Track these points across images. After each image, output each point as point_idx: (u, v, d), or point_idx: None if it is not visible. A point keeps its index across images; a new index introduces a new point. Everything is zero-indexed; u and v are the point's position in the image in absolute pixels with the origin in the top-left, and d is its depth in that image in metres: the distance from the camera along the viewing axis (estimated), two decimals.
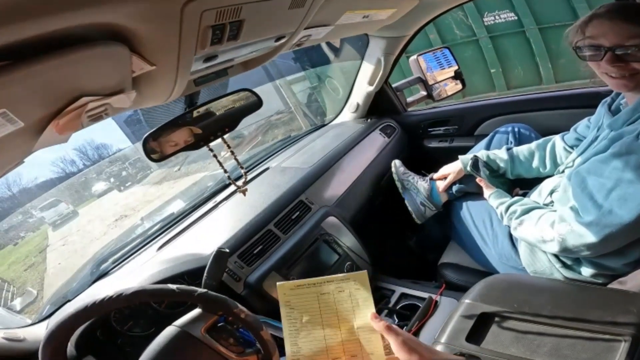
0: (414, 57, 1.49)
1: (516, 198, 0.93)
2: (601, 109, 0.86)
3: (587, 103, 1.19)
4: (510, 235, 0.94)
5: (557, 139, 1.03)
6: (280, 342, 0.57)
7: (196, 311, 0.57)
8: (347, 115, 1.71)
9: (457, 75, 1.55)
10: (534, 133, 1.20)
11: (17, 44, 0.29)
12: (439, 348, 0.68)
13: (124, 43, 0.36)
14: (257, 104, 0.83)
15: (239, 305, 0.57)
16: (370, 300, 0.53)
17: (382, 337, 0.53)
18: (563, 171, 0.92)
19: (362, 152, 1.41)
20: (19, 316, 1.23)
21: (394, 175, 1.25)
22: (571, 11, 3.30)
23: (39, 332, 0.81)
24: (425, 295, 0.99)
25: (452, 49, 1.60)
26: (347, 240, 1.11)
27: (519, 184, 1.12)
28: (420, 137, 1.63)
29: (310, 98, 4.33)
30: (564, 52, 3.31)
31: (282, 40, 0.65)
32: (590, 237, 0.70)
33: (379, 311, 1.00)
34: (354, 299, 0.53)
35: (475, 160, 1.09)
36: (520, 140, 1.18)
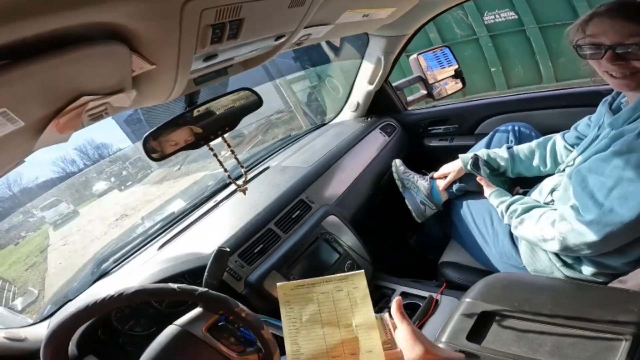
0: (414, 56, 1.48)
1: (516, 197, 0.93)
2: (602, 107, 0.86)
3: (587, 102, 1.18)
4: (511, 234, 0.94)
5: (557, 137, 1.03)
6: (281, 341, 0.57)
7: (197, 310, 0.57)
8: (347, 114, 1.71)
9: (457, 74, 1.55)
10: (534, 132, 1.20)
11: (17, 43, 0.29)
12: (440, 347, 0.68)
13: (124, 42, 0.36)
14: (257, 103, 0.83)
15: (240, 305, 0.57)
16: (368, 298, 0.54)
17: (382, 333, 0.54)
18: (564, 170, 0.92)
19: (363, 151, 1.41)
20: (20, 316, 1.23)
21: (394, 175, 1.24)
22: (571, 10, 3.29)
23: (40, 332, 0.81)
24: (425, 294, 0.99)
25: (452, 47, 1.59)
26: (348, 239, 1.11)
27: (519, 183, 1.12)
28: (420, 136, 1.63)
29: (310, 97, 4.32)
30: (565, 50, 3.30)
31: (282, 39, 0.65)
32: (591, 236, 0.70)
33: (379, 310, 1.00)
34: (352, 298, 0.54)
35: (476, 159, 1.09)
36: (520, 139, 1.18)
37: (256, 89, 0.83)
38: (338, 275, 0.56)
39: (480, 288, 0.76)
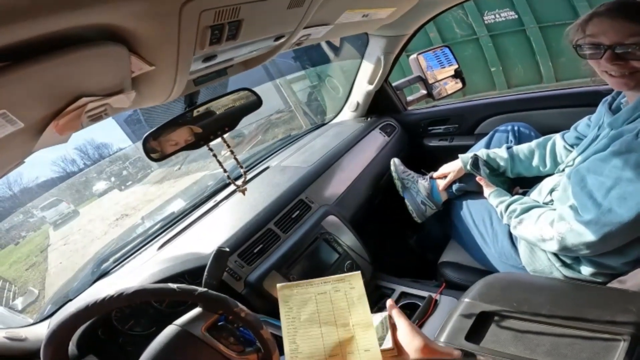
0: (414, 55, 1.48)
1: (516, 197, 0.93)
2: (602, 107, 0.86)
3: (587, 102, 1.18)
4: (510, 234, 0.94)
5: (557, 137, 1.03)
6: (280, 341, 0.57)
7: (196, 310, 0.58)
8: (347, 114, 1.71)
9: (457, 74, 1.55)
10: (533, 132, 1.20)
11: (16, 45, 0.29)
12: None
13: (123, 43, 0.36)
14: (256, 103, 0.83)
15: (239, 304, 0.57)
16: (364, 298, 0.55)
17: (381, 330, 0.55)
18: (563, 170, 0.92)
19: (362, 151, 1.41)
20: (21, 315, 1.23)
21: (394, 174, 1.24)
22: (571, 10, 3.29)
23: (40, 332, 0.82)
24: (425, 294, 0.99)
25: (452, 47, 1.59)
26: (347, 239, 1.11)
27: (519, 183, 1.12)
28: (420, 136, 1.63)
29: (310, 97, 4.33)
30: (565, 50, 3.28)
31: (282, 40, 0.65)
32: (590, 236, 0.70)
33: (378, 310, 1.00)
34: (349, 298, 0.55)
35: (475, 159, 1.09)
36: (520, 139, 1.18)
37: (256, 88, 0.83)
38: (335, 276, 0.58)
39: (480, 288, 0.76)
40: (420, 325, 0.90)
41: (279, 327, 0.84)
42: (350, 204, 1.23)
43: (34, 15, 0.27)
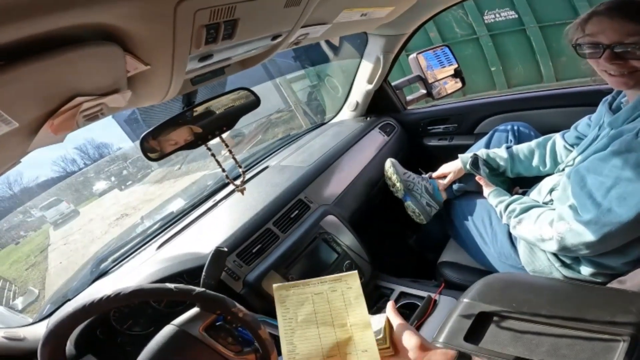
0: (414, 55, 1.48)
1: (515, 196, 0.93)
2: (602, 107, 0.85)
3: (587, 101, 1.18)
4: (510, 234, 0.94)
5: (557, 137, 1.03)
6: (279, 341, 0.57)
7: (194, 310, 0.57)
8: (347, 113, 1.70)
9: (457, 74, 1.55)
10: (533, 131, 1.20)
11: (9, 45, 0.29)
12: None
13: (117, 43, 0.36)
14: (255, 102, 0.83)
15: (237, 304, 0.57)
16: (362, 298, 0.55)
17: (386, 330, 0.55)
18: (563, 169, 0.92)
19: (362, 150, 1.41)
20: (20, 315, 1.24)
21: (393, 176, 1.19)
22: (572, 9, 3.28)
23: (39, 331, 0.82)
24: (424, 294, 0.99)
25: (452, 47, 1.59)
26: (346, 239, 1.11)
27: (518, 183, 1.12)
28: (419, 136, 1.63)
29: (310, 96, 4.33)
30: (565, 50, 3.29)
31: (279, 39, 0.65)
32: (589, 236, 0.70)
33: (378, 310, 1.00)
34: (346, 298, 0.55)
35: (475, 159, 1.08)
36: (519, 138, 1.18)
37: (256, 88, 0.83)
38: (332, 275, 0.57)
39: (479, 288, 0.75)
40: (419, 325, 0.90)
41: (277, 327, 0.84)
42: (350, 204, 1.23)
43: (28, 15, 0.27)
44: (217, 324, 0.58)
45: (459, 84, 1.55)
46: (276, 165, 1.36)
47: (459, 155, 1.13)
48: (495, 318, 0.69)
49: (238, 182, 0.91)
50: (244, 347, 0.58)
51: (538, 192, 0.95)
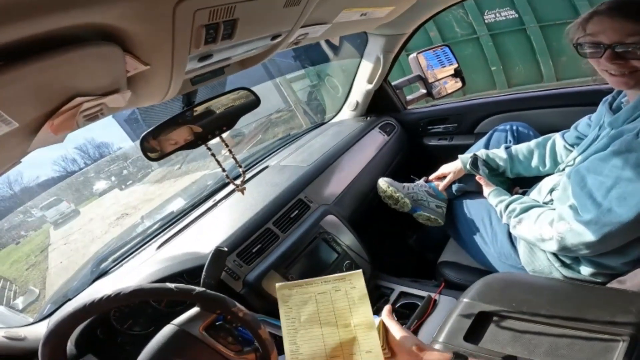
0: (414, 55, 1.48)
1: (515, 196, 0.93)
2: (602, 107, 0.85)
3: (586, 101, 1.18)
4: (510, 234, 0.94)
5: (557, 137, 1.03)
6: (278, 341, 0.57)
7: (194, 310, 0.57)
8: (347, 113, 1.70)
9: (457, 73, 1.55)
10: (532, 131, 1.20)
11: (9, 45, 0.29)
12: (437, 347, 0.68)
13: (117, 43, 0.36)
14: (255, 102, 0.83)
15: (237, 304, 0.57)
16: (366, 298, 0.54)
17: (381, 333, 0.55)
18: (563, 169, 0.92)
19: (362, 150, 1.41)
20: (21, 315, 1.24)
21: (395, 193, 1.13)
22: (572, 9, 3.28)
23: (39, 331, 0.82)
24: (424, 294, 0.99)
25: (453, 46, 1.59)
26: (346, 238, 1.11)
27: (518, 183, 1.12)
28: (419, 135, 1.63)
29: (310, 96, 4.33)
30: (565, 49, 3.29)
31: (279, 39, 0.65)
32: (589, 236, 0.70)
33: (377, 310, 1.00)
34: (350, 298, 0.54)
35: (475, 159, 1.08)
36: (518, 138, 1.18)
37: (256, 87, 0.83)
38: (336, 275, 0.56)
39: (479, 288, 0.75)
40: (419, 325, 0.90)
41: (277, 327, 0.84)
42: (350, 204, 1.23)
43: (28, 15, 0.27)
44: (217, 323, 0.58)
45: (459, 84, 1.55)
46: (276, 165, 1.36)
47: (459, 155, 1.13)
48: (495, 318, 0.69)
49: (238, 181, 0.91)
50: (244, 346, 0.58)
51: (538, 192, 0.95)
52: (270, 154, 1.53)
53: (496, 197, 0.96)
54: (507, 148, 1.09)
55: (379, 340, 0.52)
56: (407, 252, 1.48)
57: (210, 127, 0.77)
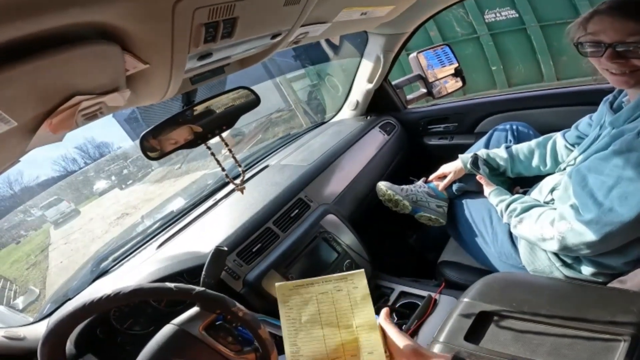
0: (414, 54, 1.48)
1: (516, 196, 0.93)
2: (603, 106, 0.85)
3: (587, 100, 1.18)
4: (510, 234, 0.94)
5: (558, 136, 1.02)
6: (278, 341, 0.57)
7: (194, 309, 0.57)
8: (347, 112, 1.70)
9: (458, 73, 1.54)
10: (532, 131, 1.19)
11: (8, 44, 0.29)
12: (437, 347, 0.68)
13: (116, 42, 0.36)
14: (255, 102, 0.83)
15: (237, 304, 0.57)
16: (368, 298, 0.53)
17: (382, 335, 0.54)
18: (564, 169, 0.91)
19: (362, 149, 1.40)
20: (21, 314, 1.24)
21: (395, 197, 1.13)
22: (572, 8, 3.27)
23: (39, 331, 0.81)
24: (424, 293, 0.99)
25: (453, 46, 1.59)
26: (347, 238, 1.11)
27: (519, 183, 1.12)
28: (420, 135, 1.63)
29: (310, 96, 4.33)
30: (566, 49, 3.29)
31: (279, 38, 0.64)
32: (590, 236, 0.70)
33: (377, 310, 0.99)
34: (352, 298, 0.53)
35: (475, 158, 1.08)
36: (519, 138, 1.18)
37: (256, 87, 0.83)
38: (337, 274, 0.55)
39: (479, 288, 0.75)
40: (420, 325, 0.90)
41: (277, 327, 0.84)
42: (350, 203, 1.23)
43: (27, 13, 0.27)
44: (217, 323, 0.58)
45: (460, 83, 1.55)
46: (276, 164, 1.36)
47: (459, 155, 1.13)
48: (495, 318, 0.69)
49: (238, 181, 0.90)
50: (244, 346, 0.57)
51: (539, 192, 0.95)
52: (270, 154, 1.53)
53: (497, 197, 0.96)
54: (507, 147, 1.08)
55: (381, 342, 0.51)
56: (407, 251, 1.48)
57: (210, 126, 0.77)
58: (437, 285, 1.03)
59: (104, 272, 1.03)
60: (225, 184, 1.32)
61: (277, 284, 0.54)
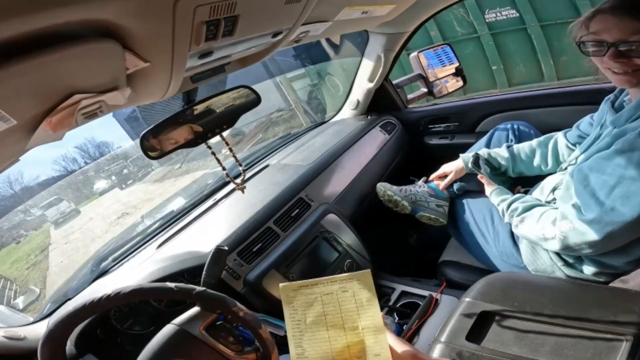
0: (415, 53, 1.48)
1: (518, 195, 0.93)
2: (604, 106, 0.85)
3: (589, 100, 1.18)
4: (512, 233, 0.94)
5: (559, 136, 1.02)
6: (279, 341, 0.56)
7: (195, 309, 0.57)
8: (347, 112, 1.70)
9: (458, 72, 1.54)
10: (533, 130, 1.19)
11: (7, 42, 0.28)
12: (439, 347, 0.67)
13: (117, 40, 0.36)
14: (255, 101, 0.82)
15: (238, 304, 0.56)
16: (375, 300, 0.52)
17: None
18: (566, 168, 0.91)
19: (362, 149, 1.40)
20: (21, 314, 1.24)
21: (394, 197, 1.14)
22: (573, 8, 3.27)
23: (39, 331, 0.81)
24: (425, 293, 0.99)
25: (453, 45, 1.58)
26: (347, 237, 1.10)
27: (520, 182, 1.11)
28: (420, 134, 1.62)
29: (310, 95, 4.32)
30: (566, 49, 3.29)
31: (280, 37, 0.64)
32: (592, 235, 0.70)
33: None
34: (358, 299, 0.52)
35: (477, 157, 1.08)
36: (519, 137, 1.18)
37: (257, 86, 0.82)
38: (343, 275, 0.54)
39: (480, 287, 0.75)
40: (421, 325, 0.89)
41: (278, 327, 0.83)
42: (350, 203, 1.23)
43: (26, 11, 0.27)
44: (218, 323, 0.58)
45: (460, 83, 1.55)
46: (277, 163, 1.36)
47: (460, 154, 1.13)
48: (497, 317, 0.69)
49: (238, 180, 0.90)
50: (245, 346, 0.57)
51: (540, 191, 0.94)
52: (271, 153, 1.53)
53: (498, 196, 0.96)
54: (508, 147, 1.08)
55: (387, 344, 0.50)
56: (408, 251, 1.48)
57: (210, 125, 0.77)
58: (438, 285, 1.03)
59: (104, 272, 1.02)
60: (226, 184, 1.31)
61: (281, 284, 0.54)
